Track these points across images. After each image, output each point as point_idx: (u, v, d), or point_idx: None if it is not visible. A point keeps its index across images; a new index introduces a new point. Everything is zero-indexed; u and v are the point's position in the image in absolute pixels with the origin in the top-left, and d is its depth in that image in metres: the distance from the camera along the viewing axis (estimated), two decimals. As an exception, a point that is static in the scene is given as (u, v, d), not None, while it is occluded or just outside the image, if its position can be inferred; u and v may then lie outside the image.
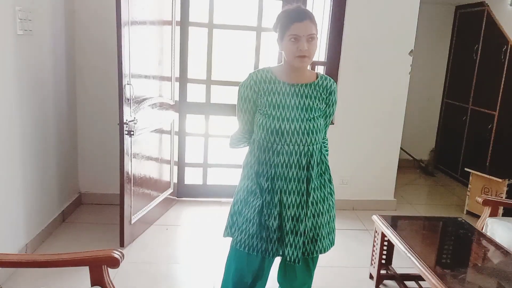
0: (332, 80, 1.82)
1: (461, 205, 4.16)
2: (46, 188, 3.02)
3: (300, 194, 1.76)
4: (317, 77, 1.80)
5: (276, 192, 1.76)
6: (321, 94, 1.78)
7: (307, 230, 1.79)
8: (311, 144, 1.74)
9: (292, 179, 1.75)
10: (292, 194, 1.76)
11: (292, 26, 1.66)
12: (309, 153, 1.75)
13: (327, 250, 1.86)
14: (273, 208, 1.76)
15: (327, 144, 1.92)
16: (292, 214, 1.76)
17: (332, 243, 1.89)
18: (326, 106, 1.80)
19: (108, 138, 3.48)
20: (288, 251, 1.76)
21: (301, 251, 1.78)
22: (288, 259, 1.77)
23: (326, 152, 1.89)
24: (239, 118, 1.87)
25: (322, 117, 1.78)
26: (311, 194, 1.78)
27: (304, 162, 1.75)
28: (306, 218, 1.78)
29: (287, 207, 1.76)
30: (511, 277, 2.11)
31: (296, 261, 1.77)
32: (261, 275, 1.88)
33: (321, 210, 1.82)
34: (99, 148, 3.59)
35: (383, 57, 3.74)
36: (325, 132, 1.88)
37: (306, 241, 1.79)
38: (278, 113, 1.73)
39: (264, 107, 1.75)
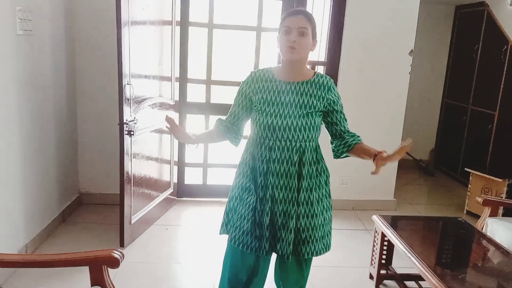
0: (328, 77, 1.87)
1: (461, 205, 4.16)
2: (46, 188, 3.02)
3: (291, 190, 1.79)
4: (313, 75, 1.85)
5: (268, 187, 1.80)
6: (317, 91, 1.81)
7: (300, 229, 1.81)
8: (303, 141, 1.78)
9: (284, 174, 1.78)
10: (283, 189, 1.79)
11: (286, 20, 1.76)
12: (301, 150, 1.79)
13: (321, 254, 1.86)
14: (265, 204, 1.80)
15: (353, 133, 1.92)
16: (283, 210, 1.79)
17: (326, 248, 1.89)
18: (333, 103, 1.83)
19: (108, 138, 3.48)
20: (280, 245, 1.80)
21: (291, 247, 1.80)
22: (279, 254, 1.81)
23: (360, 137, 1.89)
24: (229, 110, 1.95)
25: (318, 115, 1.81)
26: (303, 191, 1.80)
27: (295, 158, 1.78)
28: (296, 216, 1.80)
29: (278, 202, 1.79)
30: (511, 277, 2.11)
31: (285, 257, 1.80)
32: (257, 272, 1.90)
33: (315, 212, 1.83)
34: (99, 148, 3.58)
35: (383, 57, 3.74)
36: (347, 124, 1.91)
37: (297, 240, 1.81)
38: (272, 109, 1.78)
39: (259, 104, 1.81)
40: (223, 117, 1.98)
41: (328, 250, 1.90)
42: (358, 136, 1.90)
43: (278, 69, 1.85)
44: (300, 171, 1.79)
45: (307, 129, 1.77)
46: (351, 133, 1.91)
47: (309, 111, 1.78)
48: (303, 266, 1.93)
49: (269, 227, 1.80)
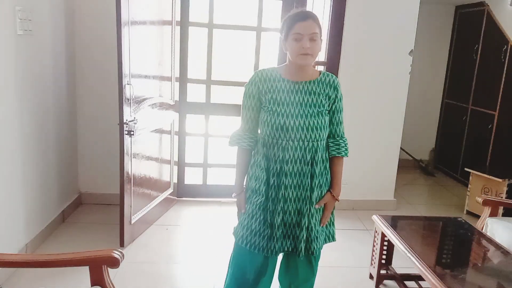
0: (334, 76, 1.87)
1: (461, 205, 4.16)
2: (46, 188, 3.02)
3: (305, 189, 1.81)
4: (319, 74, 1.85)
5: (280, 187, 1.80)
6: (324, 90, 1.82)
7: (312, 226, 1.84)
8: (315, 140, 1.79)
9: (298, 174, 1.80)
10: (296, 188, 1.81)
11: (296, 26, 1.71)
12: (313, 149, 1.80)
13: (325, 243, 1.95)
14: (277, 204, 1.81)
15: (346, 142, 1.91)
16: (297, 208, 1.82)
17: (330, 237, 1.96)
18: (333, 102, 1.84)
19: (108, 138, 3.48)
20: (292, 243, 1.83)
21: (303, 244, 1.83)
22: (290, 251, 1.85)
23: (347, 151, 1.90)
24: (243, 116, 1.89)
25: (326, 114, 1.83)
26: (315, 190, 1.83)
27: (308, 157, 1.79)
28: (308, 214, 1.83)
29: (292, 201, 1.81)
30: (511, 277, 2.11)
31: (298, 254, 1.83)
32: (265, 272, 1.91)
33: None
34: (99, 148, 3.58)
35: (383, 57, 3.74)
36: (340, 129, 1.89)
37: (310, 238, 1.85)
38: (283, 109, 1.77)
39: (269, 104, 1.79)
40: (238, 131, 1.91)
41: (333, 239, 1.97)
42: (340, 149, 1.89)
43: (284, 69, 1.84)
44: (313, 170, 1.81)
45: (319, 129, 1.78)
46: (337, 141, 1.89)
47: (319, 110, 1.79)
48: (312, 261, 1.96)
49: (280, 226, 1.82)
